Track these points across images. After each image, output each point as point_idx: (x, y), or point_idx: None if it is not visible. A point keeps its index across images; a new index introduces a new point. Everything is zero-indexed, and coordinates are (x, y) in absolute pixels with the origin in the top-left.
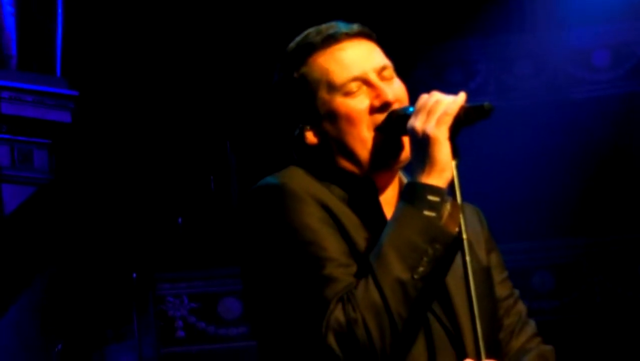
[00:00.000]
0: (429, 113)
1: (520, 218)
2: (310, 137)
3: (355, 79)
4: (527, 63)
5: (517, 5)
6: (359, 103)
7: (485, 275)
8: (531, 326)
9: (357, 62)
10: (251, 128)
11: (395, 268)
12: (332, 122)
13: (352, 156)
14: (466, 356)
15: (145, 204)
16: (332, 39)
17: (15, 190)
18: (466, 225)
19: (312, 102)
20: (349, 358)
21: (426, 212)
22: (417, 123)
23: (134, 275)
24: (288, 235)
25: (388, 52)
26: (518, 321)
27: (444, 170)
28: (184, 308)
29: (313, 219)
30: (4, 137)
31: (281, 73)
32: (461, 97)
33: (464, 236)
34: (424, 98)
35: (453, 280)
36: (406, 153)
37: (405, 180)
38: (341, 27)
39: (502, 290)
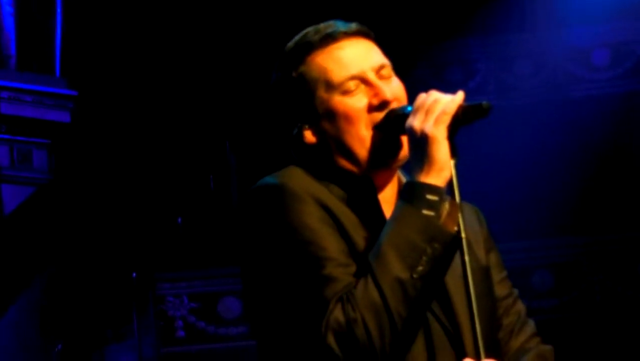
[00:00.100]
0: (428, 113)
1: (519, 217)
2: (309, 136)
3: (353, 78)
4: (527, 62)
5: (517, 5)
6: (357, 101)
7: (484, 275)
8: (530, 326)
9: (355, 61)
10: (251, 127)
11: (395, 267)
12: (330, 120)
13: (350, 155)
14: (465, 356)
15: (144, 204)
16: (330, 38)
17: (15, 190)
18: (465, 224)
19: (311, 101)
20: (349, 358)
21: (425, 211)
22: (415, 122)
23: (134, 274)
24: (287, 234)
25: (388, 51)
26: (517, 320)
27: (442, 169)
28: (184, 308)
29: (312, 219)
30: (3, 137)
31: (279, 72)
32: (459, 96)
33: (463, 235)
34: (422, 97)
35: (452, 280)
36: (405, 152)
37: (403, 179)
38: (339, 26)
39: (501, 289)
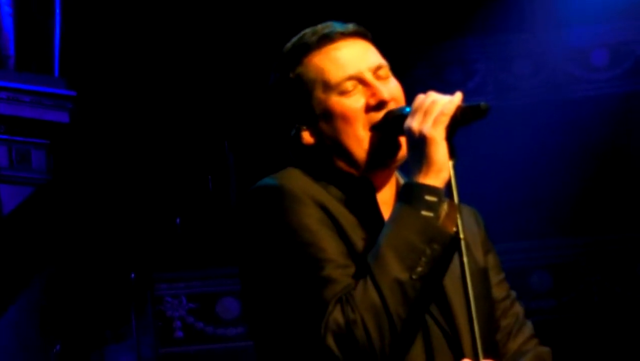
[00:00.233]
0: (426, 114)
1: (518, 217)
2: (307, 137)
3: (350, 78)
4: (526, 62)
5: (516, 5)
6: (354, 102)
7: (482, 276)
8: (528, 328)
9: (352, 61)
10: (249, 127)
11: (394, 268)
12: (328, 121)
13: (348, 155)
14: (463, 358)
15: (143, 204)
16: (328, 39)
17: (13, 190)
18: (463, 226)
19: (308, 101)
20: (348, 359)
21: (424, 212)
22: (413, 123)
23: (132, 275)
24: (286, 236)
25: (387, 51)
26: (515, 322)
27: (441, 170)
28: (183, 309)
29: (311, 220)
30: (1, 138)
31: (277, 73)
32: (457, 97)
33: (462, 236)
34: (420, 98)
35: (450, 282)
36: (403, 152)
37: (401, 180)
38: (336, 26)
39: (499, 291)
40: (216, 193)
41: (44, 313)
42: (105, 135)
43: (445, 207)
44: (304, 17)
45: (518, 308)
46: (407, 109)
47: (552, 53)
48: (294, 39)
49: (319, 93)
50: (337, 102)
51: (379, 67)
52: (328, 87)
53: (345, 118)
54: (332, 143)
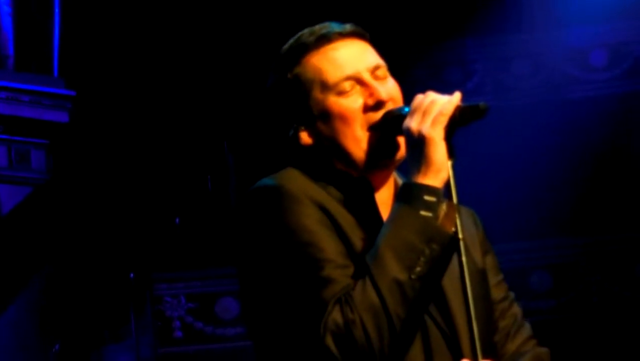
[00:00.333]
0: (425, 114)
1: (517, 218)
2: (305, 137)
3: (348, 78)
4: (525, 63)
5: (515, 5)
6: (352, 102)
7: (480, 277)
8: (527, 329)
9: (350, 62)
10: (249, 127)
11: (393, 268)
12: (325, 121)
13: (346, 156)
14: (462, 358)
15: (142, 204)
16: (325, 39)
17: (12, 190)
18: (462, 226)
19: (306, 102)
20: (347, 360)
21: (423, 212)
22: (412, 123)
23: (132, 275)
24: (286, 236)
25: (385, 51)
26: (513, 323)
27: (440, 170)
28: (182, 308)
29: (310, 220)
30: (1, 137)
31: (275, 74)
32: (456, 97)
33: (460, 236)
34: (419, 98)
35: (449, 282)
36: (401, 152)
37: (399, 180)
38: (334, 27)
39: (497, 292)
40: (215, 194)
41: (43, 312)
42: (104, 135)
43: (444, 207)
44: (302, 18)
45: (516, 309)
46: (406, 109)
47: (551, 53)
48: (292, 40)
49: (317, 94)
50: (335, 102)
51: (376, 67)
52: (326, 87)
53: (343, 118)
54: (330, 144)
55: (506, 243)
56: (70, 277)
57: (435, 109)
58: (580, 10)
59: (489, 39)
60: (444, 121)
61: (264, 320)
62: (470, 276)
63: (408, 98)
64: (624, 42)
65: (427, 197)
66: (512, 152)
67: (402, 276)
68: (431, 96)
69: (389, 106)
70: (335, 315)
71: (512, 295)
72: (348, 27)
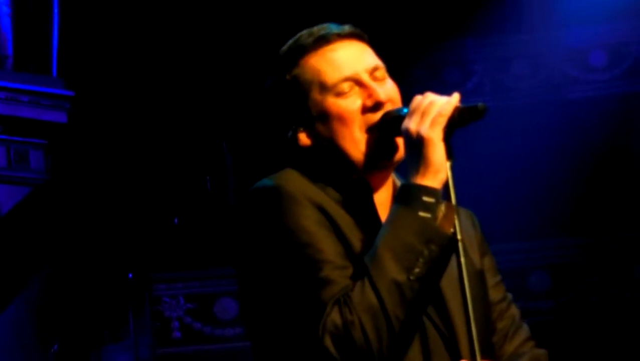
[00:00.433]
0: (423, 115)
1: (516, 218)
2: (304, 138)
3: (347, 79)
4: (524, 63)
5: (514, 6)
6: (351, 103)
7: (479, 278)
8: (524, 330)
9: (348, 63)
10: (248, 128)
11: (391, 269)
12: (324, 122)
13: (345, 157)
14: (461, 359)
15: (141, 204)
16: (324, 40)
17: (11, 190)
18: (460, 227)
19: (305, 103)
20: None
21: (421, 213)
22: (411, 124)
23: (130, 275)
24: (284, 237)
25: (385, 52)
26: (511, 324)
27: (438, 171)
28: (180, 309)
29: (309, 221)
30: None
31: (274, 75)
32: (455, 98)
33: (459, 237)
34: (417, 99)
35: (447, 284)
36: (400, 153)
37: (398, 182)
38: (332, 28)
39: (495, 293)
40: (214, 194)
41: (42, 313)
42: (103, 136)
43: (442, 207)
44: (301, 19)
45: (514, 311)
46: (405, 110)
47: (550, 54)
48: (291, 41)
49: (316, 95)
50: (333, 103)
51: (375, 68)
52: (324, 88)
53: (341, 119)
54: (328, 145)
55: (505, 243)
56: (69, 277)
57: (434, 110)
58: (579, 10)
59: (488, 39)
60: (442, 122)
61: (263, 321)
62: (469, 278)
63: (407, 98)
64: (623, 42)
65: (425, 198)
66: (512, 153)
67: (400, 277)
68: (430, 97)
69: (388, 107)
70: (334, 316)
71: (510, 296)
72: (346, 28)
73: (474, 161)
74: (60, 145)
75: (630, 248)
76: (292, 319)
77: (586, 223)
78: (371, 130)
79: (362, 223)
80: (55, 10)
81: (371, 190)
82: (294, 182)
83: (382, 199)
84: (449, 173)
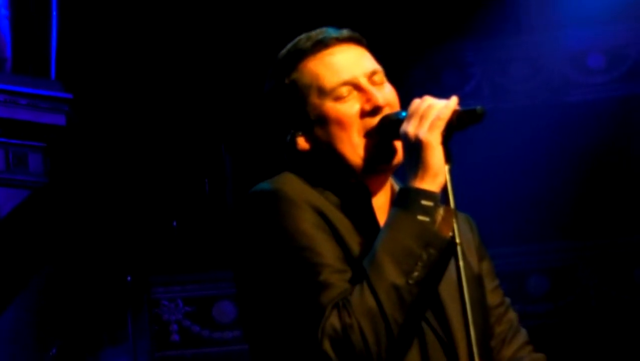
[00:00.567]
0: (422, 118)
1: (515, 221)
2: (302, 142)
3: (345, 84)
4: (523, 65)
5: (512, 8)
6: (349, 107)
7: (477, 283)
8: (523, 335)
9: (347, 67)
10: (246, 130)
11: (390, 273)
12: (322, 127)
13: (343, 161)
14: None
15: (139, 207)
16: (322, 44)
17: (10, 193)
18: (459, 231)
19: (303, 107)
20: None
21: (420, 217)
22: (409, 128)
23: (129, 278)
24: (283, 240)
25: (383, 54)
26: (509, 329)
27: (437, 174)
28: (179, 312)
29: (308, 225)
30: None
31: (272, 79)
32: (453, 102)
33: (458, 240)
34: (416, 103)
35: (446, 288)
36: (399, 157)
37: (396, 186)
38: (331, 32)
39: (493, 298)
40: (213, 197)
41: (41, 315)
42: (102, 138)
43: (441, 211)
44: (300, 23)
45: (512, 315)
46: (403, 114)
47: (549, 56)
48: (289, 45)
49: (314, 99)
50: (332, 107)
51: (373, 73)
52: (323, 92)
53: (340, 123)
54: (327, 149)
55: (504, 246)
56: (68, 280)
57: (433, 114)
58: (578, 13)
59: (487, 42)
60: (441, 125)
61: (261, 324)
62: (467, 282)
63: (406, 101)
64: (622, 44)
65: (424, 202)
66: (510, 155)
67: (399, 281)
68: (428, 100)
69: (386, 112)
70: (333, 320)
71: (508, 300)
72: (345, 32)
73: (472, 164)
74: (59, 147)
75: (629, 251)
76: (291, 323)
77: (585, 227)
78: (369, 134)
79: (361, 227)
80: (54, 13)
81: (370, 194)
82: (292, 185)
83: (381, 203)
84: (448, 177)
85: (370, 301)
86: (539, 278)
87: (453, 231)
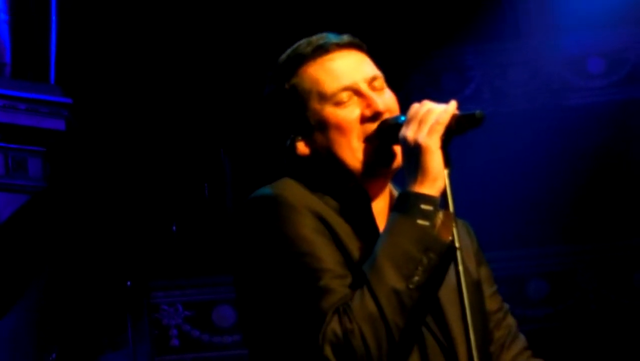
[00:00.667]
0: (421, 123)
1: (515, 225)
2: (302, 147)
3: (345, 89)
4: (522, 69)
5: (512, 12)
6: (349, 113)
7: (476, 288)
8: (521, 340)
9: (347, 72)
10: (246, 135)
11: (391, 278)
12: (322, 132)
13: (342, 166)
14: None
15: (139, 211)
16: (322, 50)
17: (9, 198)
18: (459, 236)
19: (303, 112)
20: None
21: (420, 221)
22: (408, 132)
23: (129, 283)
24: (284, 246)
25: (383, 59)
26: (508, 334)
27: (436, 179)
28: (179, 317)
29: (308, 230)
30: None
31: (272, 84)
32: (452, 106)
33: (457, 245)
34: (415, 107)
35: (445, 293)
36: (398, 161)
37: (395, 191)
38: (331, 37)
39: (492, 303)
40: (212, 201)
41: (40, 320)
42: (101, 143)
43: (440, 215)
44: (300, 28)
45: (511, 320)
46: (402, 118)
47: (548, 60)
48: (289, 50)
49: (314, 104)
50: (332, 112)
51: (374, 78)
52: (323, 97)
53: (340, 129)
54: (326, 154)
55: (503, 250)
56: (67, 285)
57: (432, 118)
58: (577, 17)
59: (486, 46)
60: (440, 130)
61: (262, 329)
62: (467, 287)
63: (405, 105)
64: (621, 49)
65: (423, 206)
66: (509, 159)
67: (400, 285)
68: (427, 105)
69: (386, 117)
70: (334, 325)
71: (506, 306)
72: (345, 37)
73: (471, 168)
74: (59, 152)
75: (629, 255)
76: (292, 328)
77: (585, 230)
78: (369, 139)
79: (361, 232)
80: (53, 18)
81: (369, 199)
82: (292, 190)
83: (380, 208)
84: (447, 181)
85: (371, 306)
86: (539, 282)
87: (453, 235)
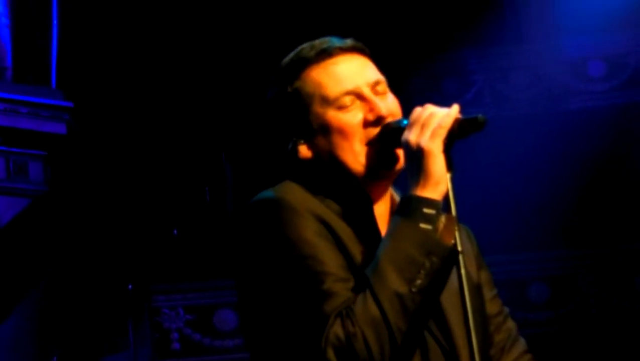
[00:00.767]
0: (423, 127)
1: (516, 229)
2: (304, 150)
3: (348, 93)
4: (524, 73)
5: (513, 17)
6: (352, 117)
7: (476, 292)
8: (521, 344)
9: (350, 76)
10: (247, 139)
11: (393, 281)
12: (325, 135)
13: (344, 169)
14: None
15: (140, 215)
16: (326, 54)
17: (11, 201)
18: (461, 239)
19: (306, 116)
20: None
21: (422, 225)
22: (411, 136)
23: (130, 286)
24: (286, 249)
25: (385, 63)
26: (508, 338)
27: (438, 182)
28: (180, 320)
29: (311, 233)
30: None
31: (275, 87)
32: (454, 110)
33: (460, 248)
34: (417, 111)
35: (447, 296)
36: (400, 164)
37: (396, 196)
38: (334, 41)
39: (492, 307)
40: (213, 205)
41: (42, 324)
42: (102, 147)
43: (443, 219)
44: (303, 32)
45: (511, 324)
46: (405, 122)
47: (549, 64)
48: (292, 54)
49: (317, 108)
50: (334, 116)
51: (377, 83)
52: (326, 101)
53: (342, 133)
54: (329, 157)
55: (505, 254)
56: (68, 288)
57: (434, 122)
58: (578, 21)
59: (488, 50)
60: (442, 134)
61: (263, 333)
62: (469, 290)
63: (407, 109)
64: (622, 53)
65: (426, 210)
66: (511, 163)
67: (402, 289)
68: (430, 109)
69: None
70: (337, 329)
71: (506, 309)
72: (349, 42)
73: (473, 172)
74: (60, 156)
75: (630, 259)
76: (294, 331)
77: (586, 234)
78: (371, 142)
79: (363, 235)
80: (55, 22)
81: (371, 202)
82: (294, 194)
83: (381, 211)
84: (449, 185)
85: (374, 309)
86: (540, 286)
87: (455, 239)
